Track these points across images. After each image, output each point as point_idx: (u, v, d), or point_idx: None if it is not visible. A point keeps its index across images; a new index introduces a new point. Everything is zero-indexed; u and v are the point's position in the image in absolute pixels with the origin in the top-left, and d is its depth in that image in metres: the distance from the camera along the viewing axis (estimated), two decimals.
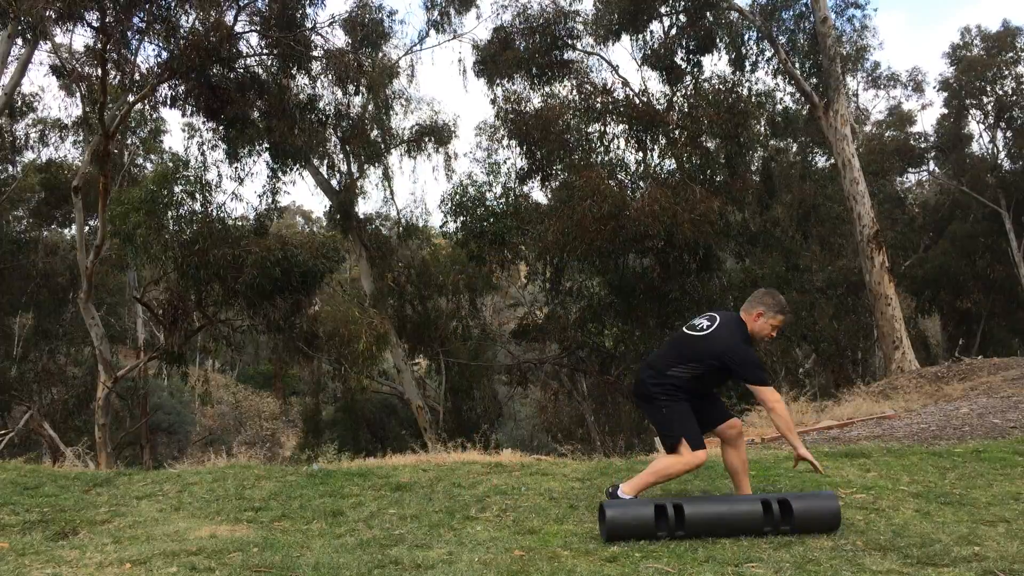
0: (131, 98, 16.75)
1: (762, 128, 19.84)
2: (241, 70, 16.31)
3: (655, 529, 3.85)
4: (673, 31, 18.96)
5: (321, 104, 18.77)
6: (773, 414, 4.12)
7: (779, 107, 20.63)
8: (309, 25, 17.18)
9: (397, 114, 21.06)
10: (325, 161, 20.22)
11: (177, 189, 17.07)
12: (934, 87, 29.93)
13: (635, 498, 4.13)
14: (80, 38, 31.99)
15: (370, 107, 19.77)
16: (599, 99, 17.69)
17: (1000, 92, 27.19)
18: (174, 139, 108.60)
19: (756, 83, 20.01)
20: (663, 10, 18.76)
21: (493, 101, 19.18)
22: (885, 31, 77.13)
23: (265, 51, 16.86)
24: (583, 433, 20.53)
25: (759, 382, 4.10)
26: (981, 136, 29.56)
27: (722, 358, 4.13)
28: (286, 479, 5.51)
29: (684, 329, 4.39)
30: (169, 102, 16.12)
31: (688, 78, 18.57)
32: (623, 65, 52.82)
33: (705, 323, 4.29)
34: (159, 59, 16.17)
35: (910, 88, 29.60)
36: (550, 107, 18.00)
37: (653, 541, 3.82)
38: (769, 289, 4.47)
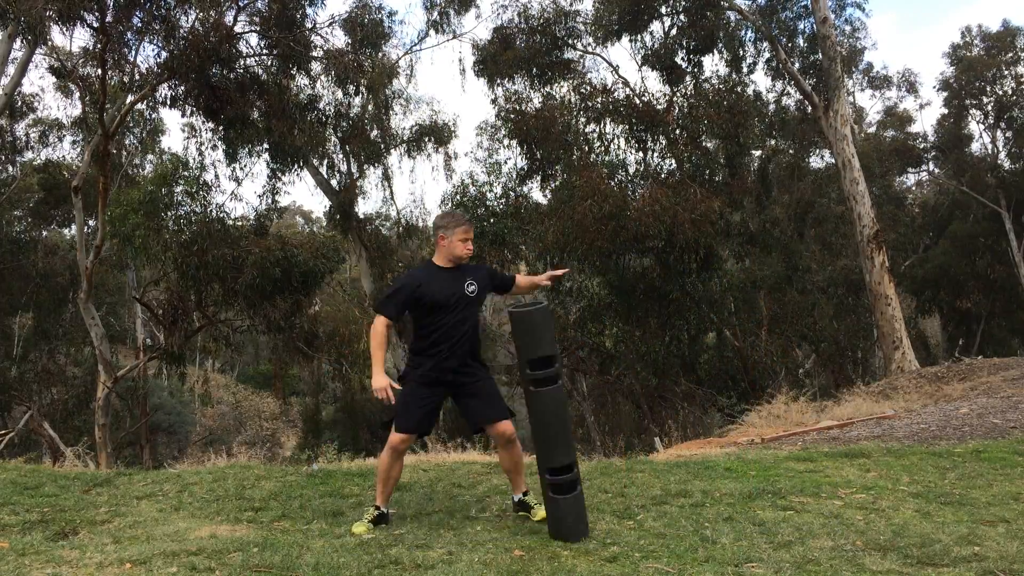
0: (131, 98, 16.74)
1: (761, 128, 19.85)
2: (241, 70, 16.29)
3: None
4: (673, 31, 18.97)
5: (321, 104, 18.78)
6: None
7: (778, 107, 20.65)
8: (309, 25, 17.19)
9: (397, 114, 21.10)
10: (325, 161, 20.22)
11: (177, 189, 17.07)
12: (933, 87, 30.00)
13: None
14: (79, 39, 32.02)
15: (370, 107, 19.77)
16: (599, 99, 17.68)
17: (1000, 92, 27.22)
18: (173, 139, 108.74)
19: (756, 83, 20.05)
20: (663, 10, 18.78)
21: (493, 101, 19.21)
22: (877, 32, 77.19)
23: (265, 51, 16.85)
24: (583, 433, 20.53)
25: (375, 308, 4.23)
26: (981, 136, 29.63)
27: None
28: (286, 479, 5.51)
29: None
30: (169, 102, 16.10)
31: (688, 78, 18.58)
32: (623, 65, 52.86)
33: None
34: (159, 59, 16.17)
35: (904, 89, 29.66)
36: (550, 107, 18.00)
37: (652, 540, 3.82)
38: (444, 211, 4.53)
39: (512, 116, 18.21)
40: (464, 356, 4.21)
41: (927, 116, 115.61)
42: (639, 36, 19.06)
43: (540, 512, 4.28)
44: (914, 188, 32.76)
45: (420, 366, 4.18)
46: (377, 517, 4.25)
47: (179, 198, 17.08)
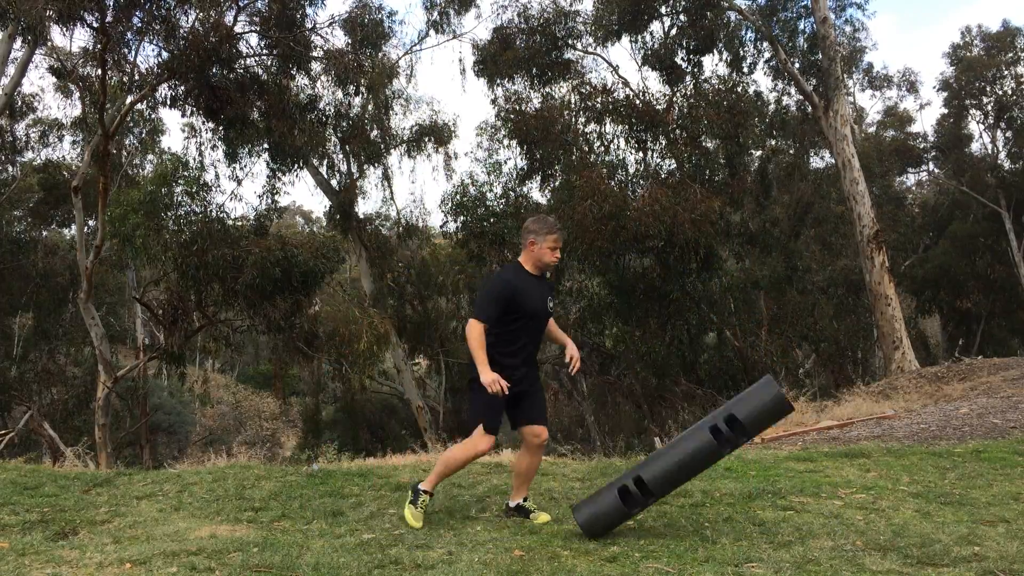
0: (131, 98, 16.73)
1: (762, 128, 19.85)
2: (241, 70, 16.29)
3: (628, 511, 3.87)
4: (673, 31, 18.97)
5: (321, 104, 18.79)
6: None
7: (778, 107, 20.64)
8: (309, 25, 17.19)
9: (397, 114, 21.11)
10: (325, 161, 20.24)
11: (177, 189, 17.07)
12: (933, 87, 30.02)
13: (600, 491, 4.07)
14: (79, 39, 32.03)
15: (370, 107, 19.77)
16: (599, 99, 17.69)
17: (1000, 92, 27.23)
18: (173, 139, 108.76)
19: (755, 83, 20.06)
20: (663, 10, 18.78)
21: (493, 101, 19.21)
22: (877, 33, 77.22)
23: (265, 51, 16.85)
24: (583, 433, 20.53)
25: (473, 314, 4.10)
26: (981, 136, 29.62)
27: None
28: (286, 479, 5.51)
29: None
30: (169, 102, 16.10)
31: (688, 78, 18.58)
32: (623, 65, 52.86)
33: None
34: (159, 59, 16.17)
35: (904, 88, 29.67)
36: (550, 107, 18.01)
37: (652, 540, 3.82)
38: (535, 215, 4.41)
39: (512, 116, 18.22)
40: (531, 363, 4.27)
41: (927, 116, 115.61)
42: (639, 36, 19.05)
43: (542, 516, 4.30)
44: (914, 188, 32.78)
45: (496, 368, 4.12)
46: (428, 502, 4.30)
47: (179, 198, 17.08)
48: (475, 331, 4.04)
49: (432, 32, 20.99)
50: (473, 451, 4.15)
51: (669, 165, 17.89)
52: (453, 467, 4.27)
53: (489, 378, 3.96)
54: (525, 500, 4.40)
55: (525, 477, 4.36)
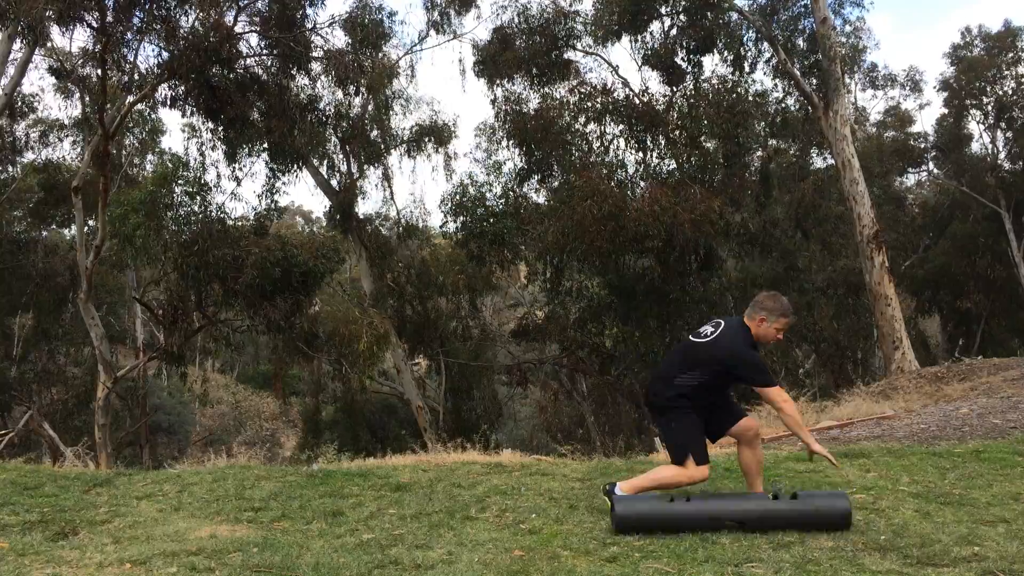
0: (131, 98, 16.74)
1: (761, 128, 19.85)
2: (241, 70, 16.29)
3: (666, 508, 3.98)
4: (673, 31, 18.96)
5: (321, 104, 18.77)
6: (782, 414, 4.12)
7: (778, 107, 20.64)
8: (309, 25, 17.20)
9: (397, 114, 21.09)
10: (325, 161, 20.22)
11: (177, 190, 17.07)
12: (934, 87, 30.01)
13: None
14: (79, 39, 32.02)
15: (370, 107, 19.77)
16: (599, 99, 17.68)
17: (1000, 92, 27.21)
18: (173, 139, 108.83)
19: (755, 83, 20.06)
20: (663, 10, 18.75)
21: (493, 101, 19.20)
22: (877, 33, 77.24)
23: (265, 51, 16.85)
24: (583, 433, 20.53)
25: (764, 384, 4.13)
26: (981, 136, 29.60)
27: (725, 363, 4.16)
28: (286, 479, 5.51)
29: (690, 336, 4.44)
30: (169, 102, 16.09)
31: (688, 78, 18.57)
32: (623, 65, 52.79)
33: (709, 329, 4.34)
34: (159, 59, 16.17)
35: (908, 88, 29.64)
36: (550, 107, 18.00)
37: (652, 540, 3.82)
38: (771, 292, 4.47)
39: (512, 116, 18.21)
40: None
41: (927, 116, 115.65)
42: (639, 36, 19.03)
43: None
44: (914, 188, 32.75)
45: (688, 404, 4.25)
46: None
47: (179, 198, 17.08)
48: (789, 404, 4.15)
49: (432, 32, 20.99)
50: (688, 479, 4.24)
51: (669, 165, 17.89)
52: (659, 484, 4.32)
53: (823, 451, 4.16)
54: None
55: (755, 472, 4.41)
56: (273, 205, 19.22)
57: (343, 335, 18.11)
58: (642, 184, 17.27)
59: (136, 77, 15.79)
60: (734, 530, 3.91)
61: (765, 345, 4.35)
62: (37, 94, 26.54)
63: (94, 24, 15.02)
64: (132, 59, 15.71)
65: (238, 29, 16.01)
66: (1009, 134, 28.02)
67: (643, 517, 3.98)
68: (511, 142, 18.43)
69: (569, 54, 19.42)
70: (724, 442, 6.54)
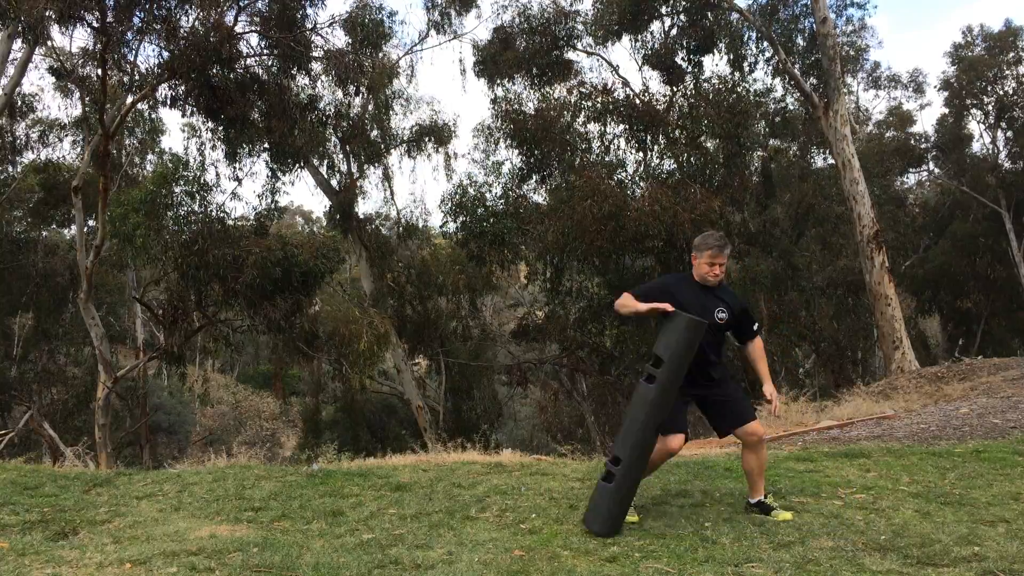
0: (131, 98, 16.73)
1: (762, 128, 19.85)
2: (241, 70, 16.28)
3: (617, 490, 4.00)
4: (673, 31, 18.97)
5: (321, 104, 18.78)
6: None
7: (778, 107, 20.65)
8: (309, 25, 17.17)
9: (397, 114, 21.13)
10: (325, 161, 20.24)
11: (177, 189, 17.06)
12: (935, 87, 29.99)
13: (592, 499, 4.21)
14: (79, 39, 32.01)
15: (370, 107, 19.78)
16: (599, 99, 17.68)
17: (1001, 92, 27.21)
18: (173, 139, 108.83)
19: (756, 83, 20.06)
20: (663, 10, 18.77)
21: (494, 101, 19.20)
22: (878, 32, 77.14)
23: (265, 51, 16.85)
24: (583, 433, 20.54)
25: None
26: (982, 136, 29.64)
27: None
28: (286, 479, 5.51)
29: None
30: (169, 102, 16.09)
31: (688, 78, 18.58)
32: (623, 65, 52.79)
33: None
34: (159, 59, 16.17)
35: (911, 89, 29.64)
36: (550, 107, 18.01)
37: (652, 540, 3.83)
38: (706, 232, 4.51)
39: (512, 116, 18.22)
40: (705, 372, 4.31)
41: (927, 116, 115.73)
42: (639, 36, 19.05)
43: (783, 514, 4.26)
44: (914, 188, 32.75)
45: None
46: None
47: (179, 198, 17.07)
48: (623, 296, 4.28)
49: (433, 32, 21.02)
50: (662, 455, 4.26)
51: (669, 165, 17.89)
52: (651, 466, 4.34)
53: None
54: (766, 497, 4.41)
55: (754, 474, 4.38)
56: (273, 205, 19.23)
57: (343, 335, 18.11)
58: (642, 184, 17.26)
59: (136, 77, 15.79)
60: (734, 530, 3.91)
61: (707, 282, 4.32)
62: (37, 94, 26.53)
63: (94, 24, 15.03)
64: (132, 59, 15.72)
65: (238, 29, 16.02)
66: (1009, 134, 28.03)
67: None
68: (511, 142, 18.44)
69: (569, 54, 19.44)
70: (726, 441, 6.56)
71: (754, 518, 4.23)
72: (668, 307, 4.10)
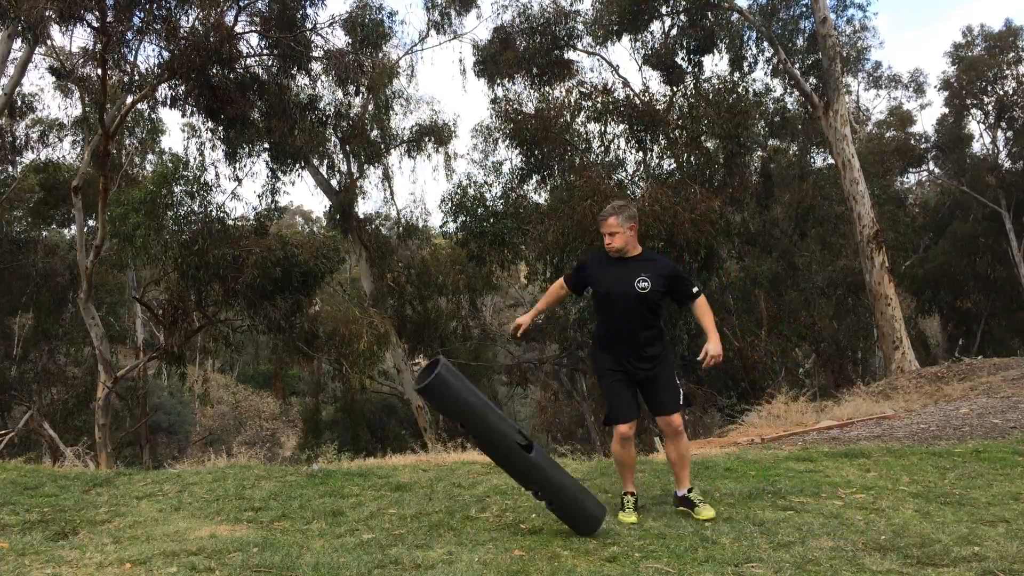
0: (131, 98, 16.74)
1: (762, 128, 19.85)
2: (241, 70, 16.28)
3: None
4: (674, 31, 18.97)
5: (321, 104, 18.79)
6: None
7: (778, 107, 20.64)
8: (309, 25, 17.19)
9: (397, 114, 21.14)
10: (325, 161, 20.24)
11: (177, 189, 17.07)
12: (935, 87, 29.99)
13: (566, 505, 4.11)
14: (79, 39, 32.02)
15: (370, 107, 19.78)
16: (599, 99, 17.68)
17: (1001, 92, 27.22)
18: (173, 139, 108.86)
19: (756, 83, 20.06)
20: (663, 10, 18.77)
21: (494, 101, 19.20)
22: (878, 32, 77.13)
23: (265, 51, 16.85)
24: (583, 433, 20.54)
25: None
26: (982, 136, 29.62)
27: None
28: (286, 479, 5.51)
29: None
30: (169, 102, 16.10)
31: (688, 78, 18.57)
32: (623, 65, 52.78)
33: None
34: (159, 59, 16.18)
35: (911, 89, 29.65)
36: (550, 107, 18.00)
37: (652, 541, 3.83)
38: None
39: (512, 116, 18.21)
40: (638, 349, 4.23)
41: (928, 116, 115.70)
42: (639, 36, 19.05)
43: (707, 511, 4.21)
44: (914, 188, 32.76)
45: (603, 359, 4.29)
46: (634, 502, 4.33)
47: (179, 198, 17.08)
48: (553, 284, 4.44)
49: (433, 32, 21.03)
50: (615, 443, 4.26)
51: (669, 165, 17.88)
52: (617, 465, 4.41)
53: (521, 320, 4.40)
54: (690, 491, 4.34)
55: (675, 466, 4.36)
56: (273, 205, 19.24)
57: (343, 335, 18.11)
58: (642, 184, 17.26)
59: (136, 77, 15.79)
60: (734, 530, 3.91)
61: (610, 252, 4.33)
62: (37, 94, 26.50)
63: (94, 24, 15.03)
64: (132, 59, 15.73)
65: (238, 29, 16.03)
66: (1009, 134, 28.04)
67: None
68: (511, 142, 18.43)
69: (569, 54, 19.44)
70: (722, 442, 6.56)
71: (754, 517, 4.23)
72: (514, 326, 4.38)
